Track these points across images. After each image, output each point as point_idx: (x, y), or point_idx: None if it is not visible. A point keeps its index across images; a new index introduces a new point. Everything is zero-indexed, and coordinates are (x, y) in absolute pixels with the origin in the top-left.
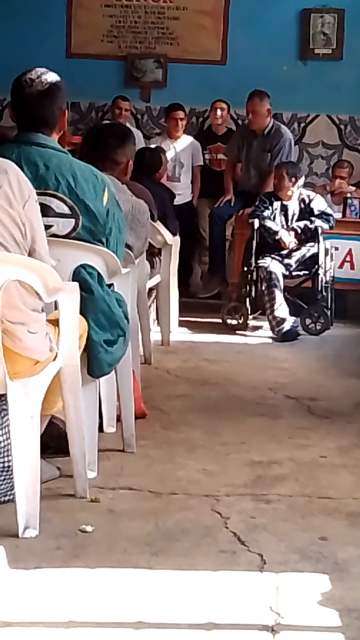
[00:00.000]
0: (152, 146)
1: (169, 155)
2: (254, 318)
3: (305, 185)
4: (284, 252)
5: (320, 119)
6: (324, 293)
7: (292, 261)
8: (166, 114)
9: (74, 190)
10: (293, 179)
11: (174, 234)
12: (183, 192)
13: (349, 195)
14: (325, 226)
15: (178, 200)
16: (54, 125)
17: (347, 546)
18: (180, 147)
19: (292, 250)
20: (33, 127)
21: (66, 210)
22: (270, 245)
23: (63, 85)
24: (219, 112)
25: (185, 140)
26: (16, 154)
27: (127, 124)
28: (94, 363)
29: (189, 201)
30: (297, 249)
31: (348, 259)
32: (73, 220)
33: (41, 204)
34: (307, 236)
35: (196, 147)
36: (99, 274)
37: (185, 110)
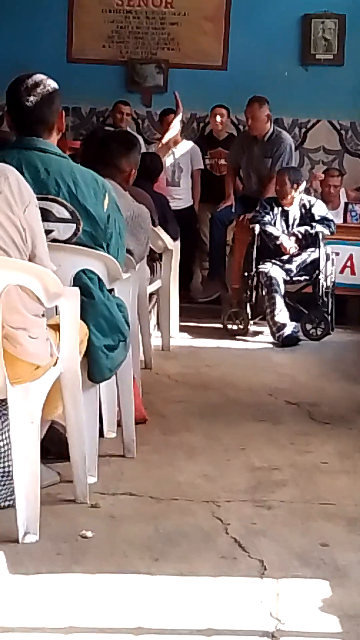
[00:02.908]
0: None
1: (169, 160)
2: (255, 323)
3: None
4: (285, 257)
5: (321, 124)
6: (325, 298)
7: (292, 266)
8: (161, 120)
9: (74, 195)
10: (295, 185)
11: (174, 239)
12: (183, 196)
13: (347, 200)
14: (326, 231)
15: (179, 205)
16: (52, 127)
17: (347, 552)
18: (179, 152)
19: (292, 256)
20: (33, 132)
21: (67, 215)
22: (271, 250)
23: (58, 88)
24: (218, 118)
25: (184, 145)
26: (17, 158)
27: (128, 129)
28: (95, 368)
29: (190, 206)
30: (298, 254)
31: (349, 264)
32: (74, 225)
33: (42, 209)
34: (308, 241)
35: (195, 151)
36: (99, 278)
37: None
